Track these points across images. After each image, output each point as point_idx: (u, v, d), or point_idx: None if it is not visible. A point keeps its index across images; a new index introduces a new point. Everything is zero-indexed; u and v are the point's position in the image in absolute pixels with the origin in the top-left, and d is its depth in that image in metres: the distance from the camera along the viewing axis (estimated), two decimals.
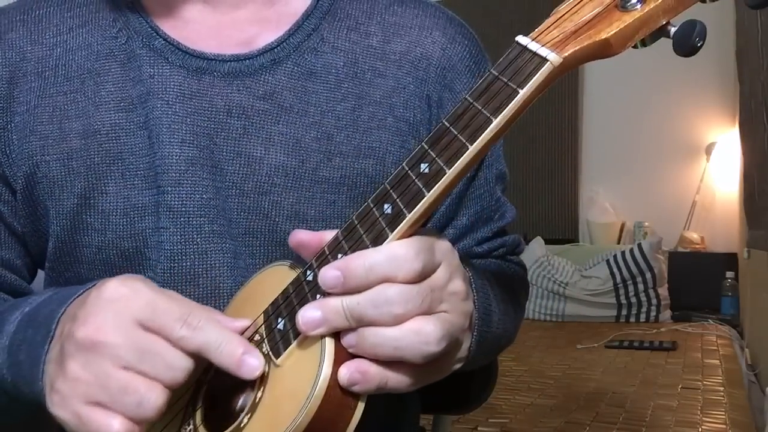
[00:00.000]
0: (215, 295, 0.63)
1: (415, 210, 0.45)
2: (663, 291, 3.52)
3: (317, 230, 0.64)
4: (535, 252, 3.67)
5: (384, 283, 0.45)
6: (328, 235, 0.50)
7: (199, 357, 0.48)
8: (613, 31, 0.43)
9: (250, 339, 0.51)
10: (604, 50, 0.44)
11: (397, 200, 0.47)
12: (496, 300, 0.62)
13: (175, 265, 0.63)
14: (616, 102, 4.04)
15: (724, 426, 1.90)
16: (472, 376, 0.78)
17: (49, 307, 0.54)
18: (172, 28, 0.66)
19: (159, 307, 0.48)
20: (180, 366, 0.47)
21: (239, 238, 0.64)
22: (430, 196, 0.45)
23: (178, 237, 0.63)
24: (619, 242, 4.01)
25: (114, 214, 0.63)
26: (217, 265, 0.63)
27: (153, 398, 0.46)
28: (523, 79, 0.44)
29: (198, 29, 0.66)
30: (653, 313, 3.47)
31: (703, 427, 1.89)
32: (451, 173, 0.45)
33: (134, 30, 0.65)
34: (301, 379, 0.46)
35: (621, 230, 4.07)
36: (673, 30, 0.44)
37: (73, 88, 0.64)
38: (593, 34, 0.44)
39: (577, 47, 0.44)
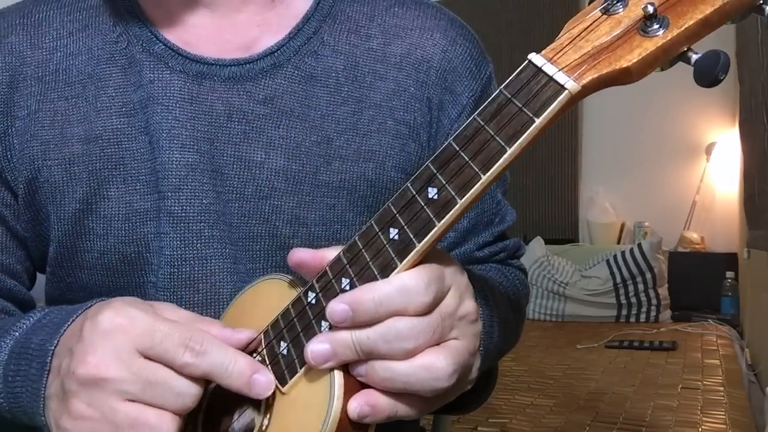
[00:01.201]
0: (215, 301, 0.63)
1: (425, 240, 0.44)
2: (663, 291, 3.52)
3: (317, 234, 0.64)
4: (535, 252, 3.67)
5: (394, 317, 0.44)
6: (329, 253, 0.49)
7: (206, 380, 0.47)
8: (635, 60, 0.41)
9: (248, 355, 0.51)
10: (623, 78, 0.42)
11: (405, 227, 0.45)
12: (498, 309, 0.62)
13: (176, 270, 0.63)
14: (616, 102, 4.04)
15: (724, 426, 1.89)
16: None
17: (39, 337, 0.53)
18: (172, 32, 0.66)
19: (159, 334, 0.46)
20: (188, 393, 0.46)
21: (239, 243, 0.63)
22: (440, 227, 0.44)
23: (178, 242, 0.62)
24: (619, 242, 4.01)
25: (116, 219, 0.63)
26: (217, 270, 0.63)
27: (164, 428, 0.45)
28: (539, 107, 0.42)
29: (198, 33, 0.66)
30: (653, 313, 3.47)
31: (703, 427, 1.89)
32: (462, 203, 0.43)
33: (134, 35, 0.65)
34: (310, 412, 0.45)
35: (621, 230, 4.07)
36: (694, 57, 0.42)
37: (74, 93, 0.64)
38: (613, 60, 0.42)
39: (596, 74, 0.42)
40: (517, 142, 0.42)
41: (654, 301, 3.48)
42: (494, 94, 0.45)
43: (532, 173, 4.17)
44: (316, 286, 0.48)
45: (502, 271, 0.73)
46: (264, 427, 0.48)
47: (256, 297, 0.55)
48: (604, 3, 0.44)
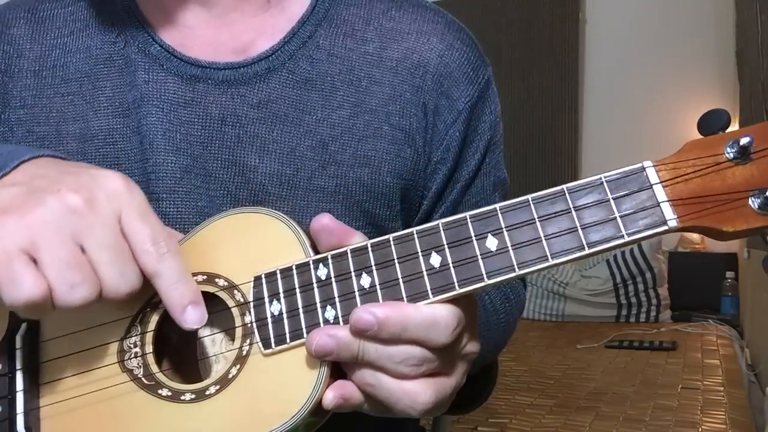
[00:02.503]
0: None
1: (466, 290, 0.44)
2: (663, 291, 3.52)
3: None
4: None
5: (411, 344, 0.44)
6: (355, 234, 0.48)
7: (149, 285, 0.47)
8: (737, 229, 0.42)
9: (228, 289, 0.49)
10: (715, 235, 0.43)
11: (451, 265, 0.44)
12: (487, 334, 0.62)
13: None
14: (616, 102, 4.04)
15: (724, 426, 1.89)
16: (471, 377, 0.78)
17: (7, 149, 0.51)
18: (169, 34, 0.66)
19: (144, 217, 0.46)
20: (129, 280, 0.45)
21: None
22: (486, 285, 0.44)
23: None
24: None
25: None
26: None
27: (85, 292, 0.44)
28: (635, 230, 0.42)
29: (194, 35, 0.66)
30: (653, 313, 3.47)
31: (703, 427, 1.89)
32: (517, 275, 0.43)
33: (131, 35, 0.66)
34: (288, 390, 0.46)
35: None
36: None
37: (70, 90, 0.64)
38: (718, 219, 0.42)
39: (698, 224, 0.42)
40: (597, 248, 0.42)
41: (654, 301, 3.48)
42: (593, 180, 0.44)
43: (531, 173, 4.17)
44: (330, 264, 0.47)
45: (507, 296, 0.73)
46: (231, 376, 0.48)
47: (244, 231, 0.52)
48: (732, 146, 0.43)
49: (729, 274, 3.55)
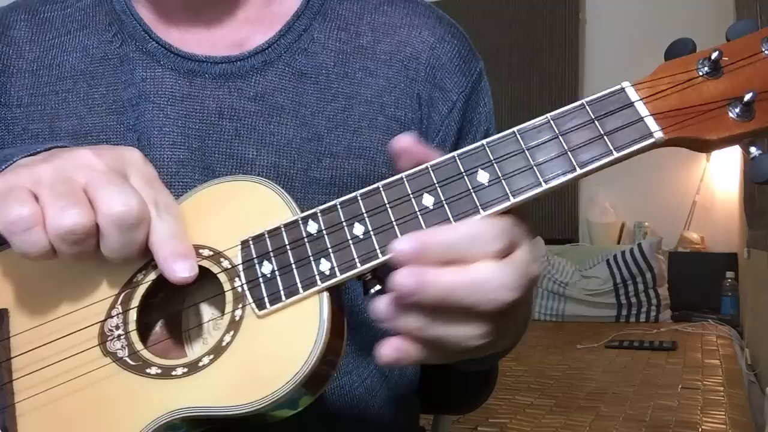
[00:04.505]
0: None
1: (463, 220, 0.43)
2: (663, 291, 3.52)
3: None
4: None
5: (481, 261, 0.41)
6: (431, 154, 0.46)
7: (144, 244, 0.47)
8: (720, 136, 0.43)
9: (213, 257, 0.48)
10: (700, 146, 0.44)
11: (444, 202, 0.44)
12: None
13: None
14: None
15: (724, 426, 1.89)
16: (469, 376, 0.78)
17: (44, 144, 0.54)
18: (165, 31, 0.66)
19: (151, 182, 0.49)
20: (128, 203, 0.45)
21: None
22: (482, 216, 0.43)
23: None
24: (619, 242, 4.01)
25: None
26: None
27: (76, 216, 0.44)
28: (622, 144, 0.43)
29: (191, 31, 0.66)
30: (653, 313, 3.48)
31: (703, 427, 1.89)
32: (512, 204, 0.43)
33: (128, 34, 0.66)
34: (288, 346, 0.44)
35: (621, 230, 4.07)
36: (755, 153, 0.43)
37: (65, 88, 0.65)
38: (701, 129, 0.43)
39: (682, 134, 0.43)
40: (588, 168, 0.43)
41: (654, 301, 3.48)
42: (575, 106, 0.44)
43: None
44: (320, 218, 0.46)
45: None
46: (225, 344, 0.46)
47: (227, 197, 0.51)
48: (704, 63, 0.44)
49: (729, 274, 3.55)
